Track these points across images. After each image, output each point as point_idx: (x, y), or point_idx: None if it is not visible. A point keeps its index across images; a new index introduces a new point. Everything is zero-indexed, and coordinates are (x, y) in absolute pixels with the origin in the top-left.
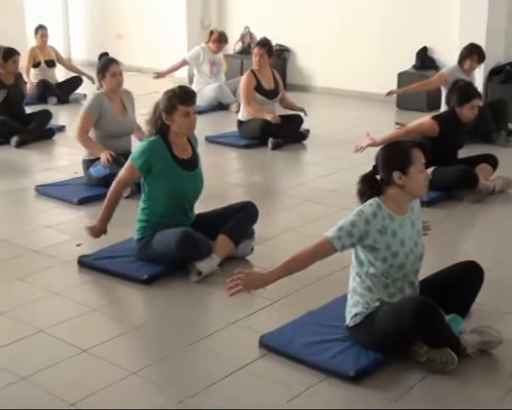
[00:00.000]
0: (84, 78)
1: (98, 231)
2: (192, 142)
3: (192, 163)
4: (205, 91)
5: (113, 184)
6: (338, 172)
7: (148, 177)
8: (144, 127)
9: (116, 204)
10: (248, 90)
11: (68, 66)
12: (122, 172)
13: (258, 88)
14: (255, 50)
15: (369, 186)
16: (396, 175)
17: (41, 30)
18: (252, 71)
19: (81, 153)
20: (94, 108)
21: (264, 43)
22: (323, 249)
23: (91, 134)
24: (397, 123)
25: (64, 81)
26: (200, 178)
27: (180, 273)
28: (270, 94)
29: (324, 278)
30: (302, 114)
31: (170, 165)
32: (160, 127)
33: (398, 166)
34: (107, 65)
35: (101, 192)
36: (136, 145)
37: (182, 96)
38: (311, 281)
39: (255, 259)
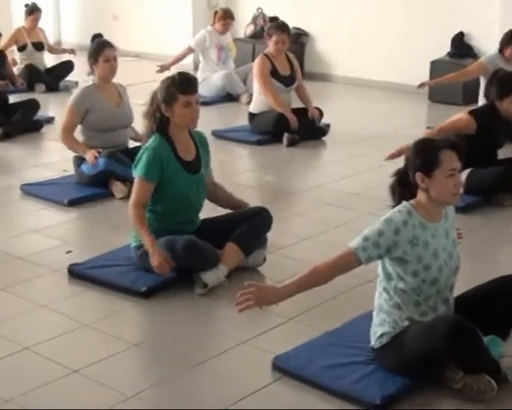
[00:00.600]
0: (75, 62)
1: (164, 259)
2: (197, 142)
3: (196, 166)
4: (212, 80)
5: (132, 210)
6: (362, 173)
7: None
8: (140, 122)
9: (147, 224)
10: (266, 75)
11: (50, 48)
12: (135, 194)
13: (274, 74)
14: (275, 37)
15: (400, 183)
16: (419, 177)
17: (36, 13)
18: (265, 55)
19: None
20: (79, 103)
21: (285, 28)
22: (347, 261)
23: (82, 129)
24: (428, 127)
25: (53, 66)
26: (202, 184)
27: (183, 285)
28: (287, 81)
29: (346, 292)
30: (311, 114)
31: (175, 168)
32: (160, 121)
33: (423, 166)
34: (100, 48)
35: (93, 192)
36: (140, 153)
37: (182, 85)
38: (330, 296)
39: (268, 270)
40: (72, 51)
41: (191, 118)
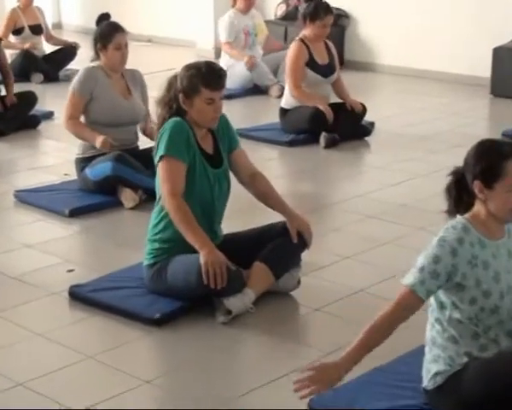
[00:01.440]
0: (79, 48)
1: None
2: (215, 134)
3: (217, 159)
4: (236, 69)
5: (171, 202)
6: (412, 180)
7: None
8: (153, 109)
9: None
10: (300, 68)
11: (48, 36)
12: (168, 182)
13: (311, 63)
14: (321, 20)
15: (458, 185)
16: (477, 186)
17: None
18: (302, 41)
19: (74, 148)
20: (84, 85)
21: (331, 10)
22: (406, 304)
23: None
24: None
25: (53, 53)
26: (226, 178)
27: (203, 312)
28: (326, 70)
29: None
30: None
31: (198, 157)
32: (176, 111)
33: (482, 175)
34: (110, 33)
35: (99, 201)
36: (159, 136)
37: (208, 77)
38: None
39: (302, 295)
40: (75, 46)
41: (212, 117)
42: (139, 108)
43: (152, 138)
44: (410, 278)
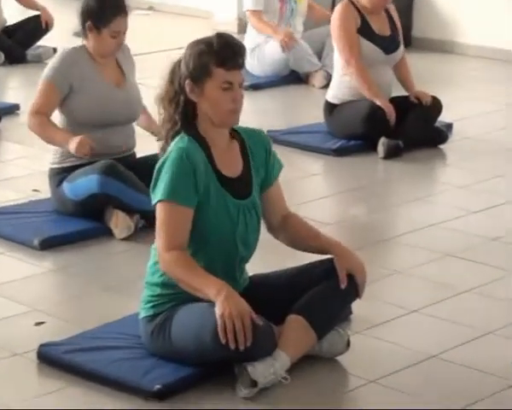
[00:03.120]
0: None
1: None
2: (246, 147)
3: (242, 186)
4: (267, 50)
5: (166, 256)
6: (504, 205)
7: None
8: (154, 111)
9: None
10: (350, 32)
11: None
12: (165, 235)
13: (366, 31)
14: None
15: None
16: None
17: None
18: (351, 2)
19: (47, 155)
20: (61, 74)
21: None
22: None
23: (63, 122)
24: None
25: (18, 24)
26: (256, 210)
27: (219, 383)
28: (387, 44)
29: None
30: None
31: (213, 186)
32: (184, 111)
33: None
34: (108, 15)
35: (82, 228)
36: (159, 164)
37: (222, 53)
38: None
39: (352, 361)
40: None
41: (231, 109)
42: (137, 99)
43: (151, 131)
44: None
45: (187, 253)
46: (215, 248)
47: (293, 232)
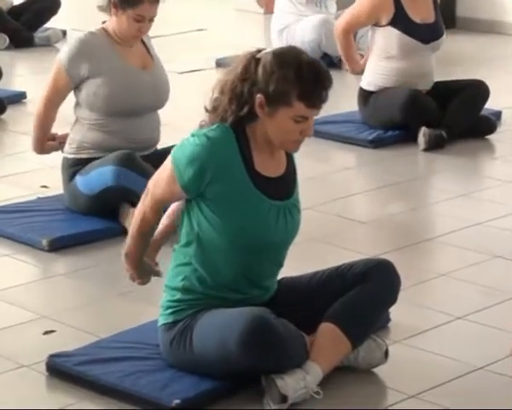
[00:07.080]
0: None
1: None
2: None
3: (283, 186)
4: (297, 32)
5: (145, 202)
6: None
7: (198, 205)
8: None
9: (148, 236)
10: (367, 12)
11: None
12: (158, 188)
13: (402, 20)
14: None
15: None
16: None
17: None
18: None
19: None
20: (75, 62)
21: None
22: None
23: (79, 111)
24: None
25: (25, 4)
26: (295, 216)
27: (245, 397)
28: (427, 32)
29: None
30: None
31: (242, 185)
32: (241, 114)
33: None
34: None
35: (95, 228)
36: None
37: (309, 89)
38: None
39: (391, 373)
40: None
41: (296, 139)
42: (165, 84)
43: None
44: None
45: (156, 209)
46: (248, 252)
47: None
